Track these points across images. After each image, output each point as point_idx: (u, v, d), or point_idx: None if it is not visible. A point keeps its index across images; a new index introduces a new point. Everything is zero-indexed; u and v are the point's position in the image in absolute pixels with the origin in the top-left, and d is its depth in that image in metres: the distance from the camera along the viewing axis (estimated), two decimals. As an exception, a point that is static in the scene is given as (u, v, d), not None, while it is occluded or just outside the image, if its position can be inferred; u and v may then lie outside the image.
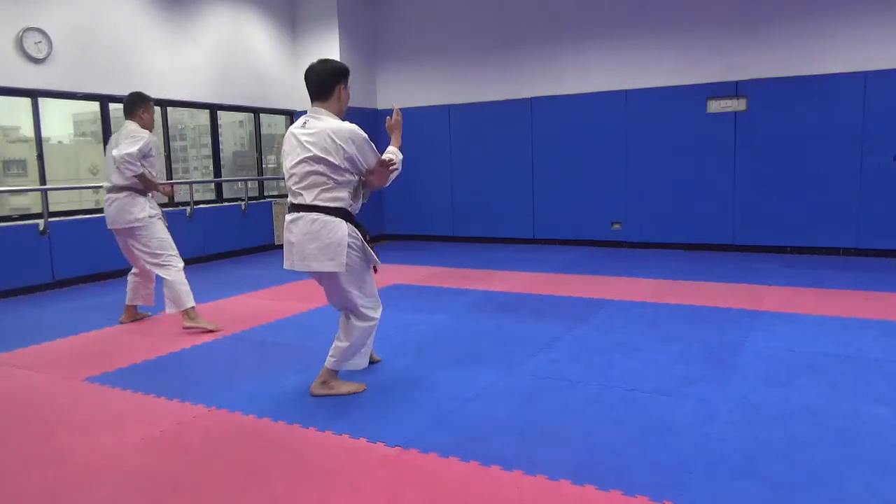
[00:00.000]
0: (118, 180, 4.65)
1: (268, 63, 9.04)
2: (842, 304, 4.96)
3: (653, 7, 7.93)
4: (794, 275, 6.20)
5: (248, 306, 5.44)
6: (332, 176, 3.03)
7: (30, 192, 6.75)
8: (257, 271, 7.34)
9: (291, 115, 9.63)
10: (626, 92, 8.17)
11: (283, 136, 7.57)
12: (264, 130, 9.49)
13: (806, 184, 7.36)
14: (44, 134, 6.52)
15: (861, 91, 6.99)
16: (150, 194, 4.81)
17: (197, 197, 8.27)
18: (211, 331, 4.61)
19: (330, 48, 9.15)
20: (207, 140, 8.60)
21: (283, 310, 5.24)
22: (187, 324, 4.64)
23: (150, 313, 5.31)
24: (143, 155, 4.65)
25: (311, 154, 3.01)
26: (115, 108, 7.09)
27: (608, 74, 8.27)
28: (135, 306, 5.10)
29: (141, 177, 4.68)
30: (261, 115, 9.21)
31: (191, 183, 8.16)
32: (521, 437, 2.70)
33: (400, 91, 9.76)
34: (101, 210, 7.11)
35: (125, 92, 7.01)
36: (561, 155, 8.64)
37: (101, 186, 7.16)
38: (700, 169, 7.87)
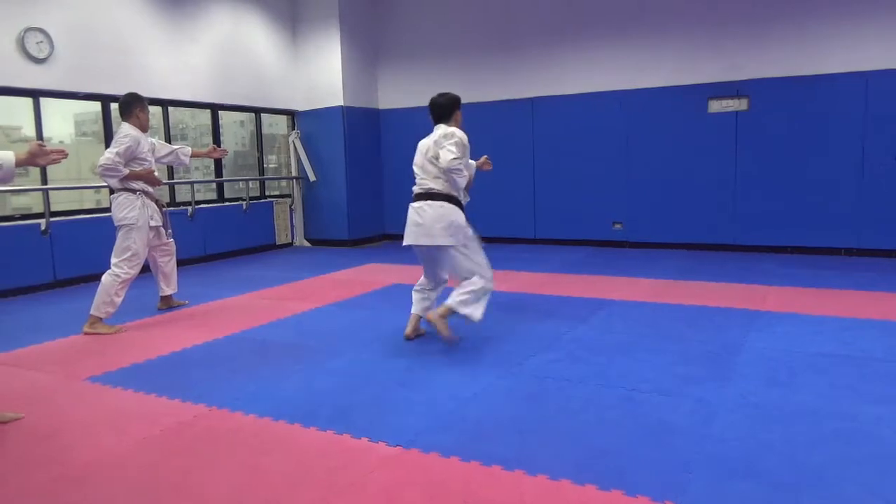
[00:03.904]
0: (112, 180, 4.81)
1: (269, 63, 9.05)
2: (842, 304, 4.96)
3: (654, 7, 7.93)
4: (795, 275, 6.20)
5: (249, 306, 5.45)
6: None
7: (31, 192, 6.76)
8: (258, 271, 7.35)
9: (292, 115, 9.64)
10: (628, 92, 8.17)
11: (284, 135, 7.90)
12: (265, 130, 9.50)
13: (807, 184, 7.36)
14: (45, 134, 6.53)
15: (862, 91, 6.99)
16: (137, 193, 4.84)
17: (198, 197, 8.28)
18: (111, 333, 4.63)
19: (331, 48, 9.16)
20: (208, 140, 8.61)
21: (284, 310, 5.24)
22: (87, 329, 4.61)
23: (187, 301, 5.55)
24: (132, 157, 4.79)
25: (433, 154, 4.01)
26: (117, 108, 7.10)
27: (609, 74, 8.27)
28: (169, 295, 5.35)
29: (132, 176, 4.81)
30: (262, 114, 9.22)
31: (192, 183, 8.17)
32: (522, 438, 2.70)
33: (400, 91, 9.77)
34: (102, 210, 7.17)
35: (126, 92, 7.07)
36: (562, 155, 8.64)
37: (103, 186, 7.21)
38: (701, 169, 7.87)
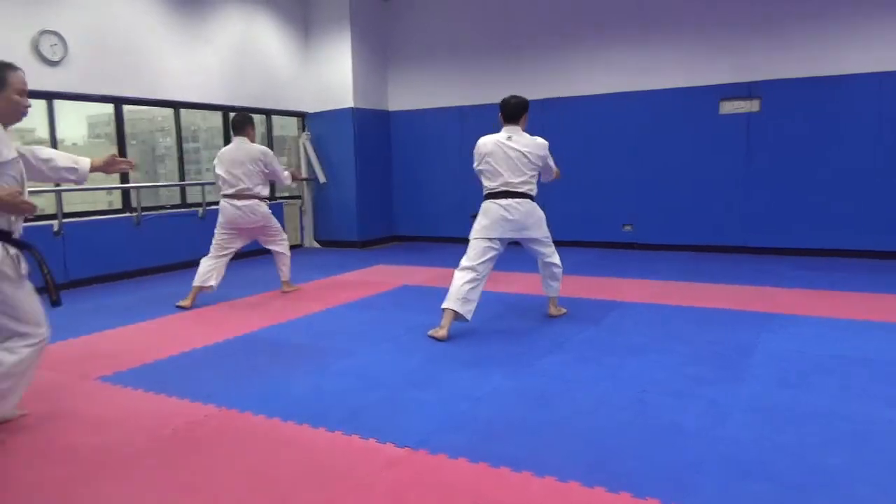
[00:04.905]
0: (249, 187, 5.57)
1: (280, 65, 9.08)
2: (855, 306, 4.91)
3: (665, 8, 7.89)
4: (807, 277, 6.15)
5: (259, 307, 5.47)
6: (533, 172, 4.40)
7: (44, 193, 6.81)
8: (268, 272, 7.36)
9: (303, 117, 9.68)
10: (638, 93, 8.14)
11: (294, 137, 8.10)
12: (276, 132, 9.54)
13: (820, 186, 7.29)
14: (58, 136, 6.58)
15: (876, 92, 6.92)
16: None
17: (209, 198, 8.31)
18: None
19: (342, 50, 9.18)
20: (220, 142, 8.65)
21: (295, 310, 5.26)
22: (289, 290, 6.02)
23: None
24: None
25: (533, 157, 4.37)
26: (129, 110, 7.17)
27: (620, 76, 8.24)
28: (200, 287, 5.59)
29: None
30: (273, 116, 9.26)
31: (203, 184, 8.21)
32: (532, 439, 2.69)
33: (412, 93, 9.78)
34: (114, 211, 7.23)
35: (139, 94, 7.16)
36: (572, 156, 8.58)
37: (114, 188, 7.26)
38: (712, 171, 7.82)
